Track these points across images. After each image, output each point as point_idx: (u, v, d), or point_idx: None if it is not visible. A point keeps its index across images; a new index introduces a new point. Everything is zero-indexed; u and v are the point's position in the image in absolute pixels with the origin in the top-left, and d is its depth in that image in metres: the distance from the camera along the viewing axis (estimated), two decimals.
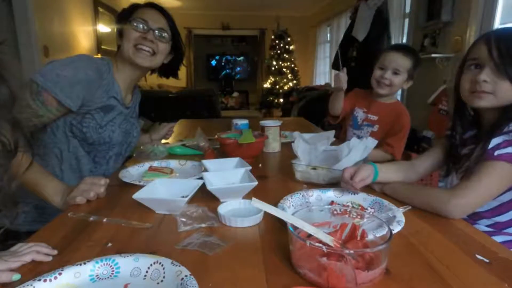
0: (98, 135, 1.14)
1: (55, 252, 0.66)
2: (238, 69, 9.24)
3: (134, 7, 1.21)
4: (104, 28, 5.41)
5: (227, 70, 9.21)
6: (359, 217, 0.70)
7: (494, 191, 0.86)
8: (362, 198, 0.92)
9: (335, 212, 0.73)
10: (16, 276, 0.58)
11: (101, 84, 1.13)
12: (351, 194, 0.94)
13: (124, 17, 1.19)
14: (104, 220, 0.81)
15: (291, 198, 0.90)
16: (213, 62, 9.09)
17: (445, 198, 0.84)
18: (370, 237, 0.62)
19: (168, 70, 1.36)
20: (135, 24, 1.16)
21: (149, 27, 1.18)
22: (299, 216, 0.64)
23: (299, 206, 0.88)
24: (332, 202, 0.91)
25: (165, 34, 1.21)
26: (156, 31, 1.19)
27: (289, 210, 0.83)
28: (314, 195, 0.94)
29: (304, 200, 0.92)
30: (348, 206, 0.86)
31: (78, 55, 1.12)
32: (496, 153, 0.84)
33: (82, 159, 1.17)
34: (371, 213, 0.84)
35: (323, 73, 7.44)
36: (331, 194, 0.95)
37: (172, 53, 1.30)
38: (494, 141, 0.86)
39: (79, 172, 1.18)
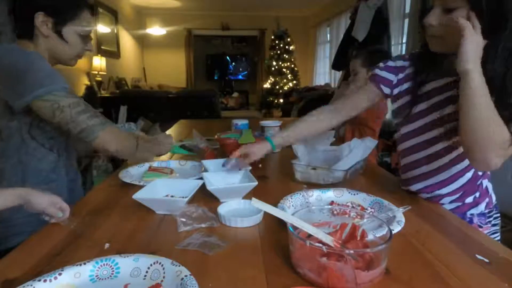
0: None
1: (67, 215, 0.76)
2: (238, 69, 9.24)
3: (77, 5, 1.06)
4: (104, 28, 5.40)
5: (227, 71, 9.22)
6: (359, 217, 0.70)
7: None
8: (362, 198, 0.92)
9: (335, 212, 0.73)
10: (60, 213, 0.75)
11: None
12: (351, 194, 0.94)
13: (67, 15, 1.04)
14: (104, 220, 0.81)
15: (291, 198, 0.90)
16: (213, 63, 9.09)
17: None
18: (370, 237, 0.62)
19: None
20: (84, 29, 1.06)
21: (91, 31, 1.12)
22: (299, 216, 0.64)
23: (299, 206, 0.88)
24: (332, 202, 0.91)
25: None
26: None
27: (289, 210, 0.83)
28: (314, 195, 0.94)
29: (304, 200, 0.92)
30: (348, 206, 0.86)
31: (28, 53, 1.00)
32: None
33: (44, 158, 1.05)
34: (371, 213, 0.84)
35: (323, 74, 7.44)
36: (331, 194, 0.95)
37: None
38: None
39: (45, 171, 1.07)
